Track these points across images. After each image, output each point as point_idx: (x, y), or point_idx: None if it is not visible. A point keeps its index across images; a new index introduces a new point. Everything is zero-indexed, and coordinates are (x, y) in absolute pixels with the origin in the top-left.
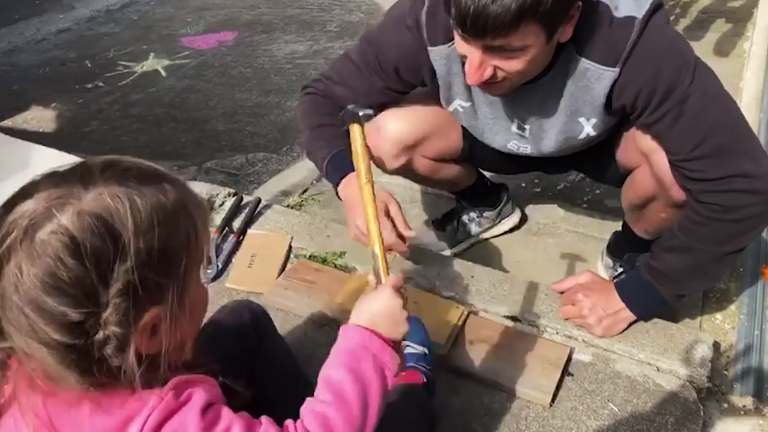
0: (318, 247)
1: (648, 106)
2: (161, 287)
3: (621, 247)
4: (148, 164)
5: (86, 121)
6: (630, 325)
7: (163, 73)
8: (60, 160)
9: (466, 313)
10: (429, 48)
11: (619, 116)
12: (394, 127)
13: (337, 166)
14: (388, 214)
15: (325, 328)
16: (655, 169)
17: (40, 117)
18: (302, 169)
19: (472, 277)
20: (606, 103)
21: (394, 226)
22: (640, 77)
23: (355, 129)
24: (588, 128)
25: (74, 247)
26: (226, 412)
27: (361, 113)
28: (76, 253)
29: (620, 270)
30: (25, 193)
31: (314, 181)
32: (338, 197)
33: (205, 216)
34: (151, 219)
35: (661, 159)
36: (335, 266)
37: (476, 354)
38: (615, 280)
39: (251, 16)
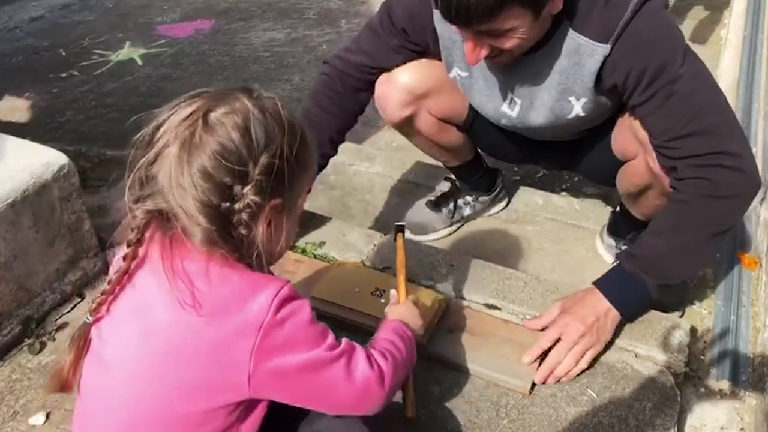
0: (297, 237)
1: (638, 85)
2: (291, 181)
3: (622, 226)
4: None
5: (61, 111)
6: (617, 327)
7: (139, 61)
8: (34, 150)
9: (445, 301)
10: (434, 10)
11: (611, 100)
12: (406, 75)
13: None
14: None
15: None
16: (651, 159)
17: (14, 107)
18: None
19: (452, 265)
20: (597, 82)
21: None
22: (631, 56)
23: (399, 238)
24: (577, 108)
25: (244, 126)
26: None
27: (402, 223)
28: (245, 131)
29: (624, 248)
30: (193, 95)
31: None
32: None
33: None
34: (295, 127)
35: None
36: (314, 256)
37: (455, 342)
38: (594, 281)
39: (228, 3)
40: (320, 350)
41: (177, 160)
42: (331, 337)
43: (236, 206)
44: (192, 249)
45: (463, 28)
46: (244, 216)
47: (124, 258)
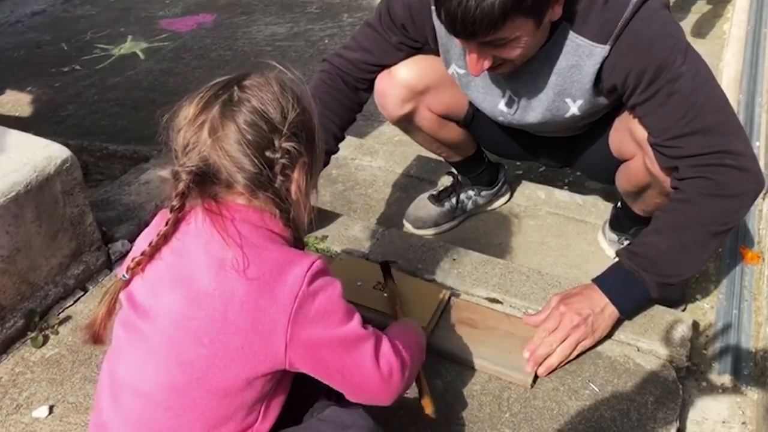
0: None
1: (639, 84)
2: (313, 142)
3: (624, 221)
4: None
5: (63, 105)
6: (615, 323)
7: (141, 56)
8: (37, 144)
9: (447, 295)
10: (432, 7)
11: (609, 99)
12: (405, 72)
13: None
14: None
15: None
16: (649, 160)
17: (16, 101)
18: None
19: (454, 259)
20: (595, 83)
21: None
22: (630, 57)
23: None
24: (574, 109)
25: (277, 86)
26: None
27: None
28: (279, 89)
29: (626, 243)
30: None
31: None
32: None
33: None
34: (314, 106)
35: None
36: (317, 250)
37: (458, 336)
38: (593, 278)
39: None
40: (352, 325)
41: (219, 116)
42: (359, 316)
43: (277, 155)
44: (238, 208)
45: (468, 41)
46: (284, 161)
47: (166, 223)
